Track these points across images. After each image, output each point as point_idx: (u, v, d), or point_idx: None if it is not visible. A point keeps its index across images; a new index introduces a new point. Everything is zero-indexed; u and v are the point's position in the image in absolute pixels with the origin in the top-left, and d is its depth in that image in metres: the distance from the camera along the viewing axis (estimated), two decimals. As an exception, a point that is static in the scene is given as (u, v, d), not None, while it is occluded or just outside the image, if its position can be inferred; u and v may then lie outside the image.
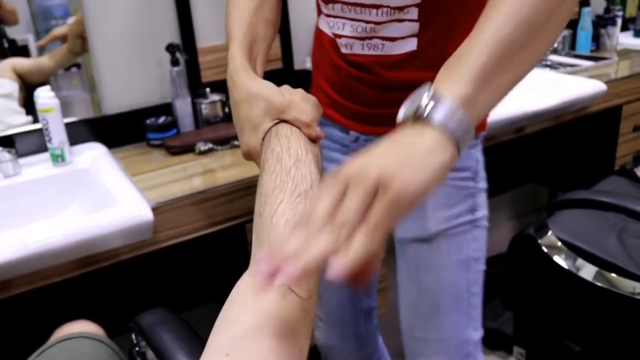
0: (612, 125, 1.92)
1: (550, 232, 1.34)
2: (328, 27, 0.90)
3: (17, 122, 1.40)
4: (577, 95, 1.70)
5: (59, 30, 1.42)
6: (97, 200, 1.20)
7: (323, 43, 0.93)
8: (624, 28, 2.37)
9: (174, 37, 1.52)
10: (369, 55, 0.86)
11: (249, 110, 0.65)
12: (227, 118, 1.56)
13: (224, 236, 1.29)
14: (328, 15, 0.88)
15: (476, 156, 0.94)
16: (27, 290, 1.06)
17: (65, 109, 1.35)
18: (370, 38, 0.84)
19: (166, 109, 1.53)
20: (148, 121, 1.48)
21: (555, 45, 2.16)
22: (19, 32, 1.41)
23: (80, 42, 1.42)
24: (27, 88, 1.41)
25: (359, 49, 0.86)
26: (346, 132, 0.96)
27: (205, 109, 1.53)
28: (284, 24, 1.65)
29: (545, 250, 1.33)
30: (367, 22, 0.83)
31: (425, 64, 0.82)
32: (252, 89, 0.66)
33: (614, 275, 1.23)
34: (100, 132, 1.47)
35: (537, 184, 2.43)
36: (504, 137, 1.61)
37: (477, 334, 1.01)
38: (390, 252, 1.06)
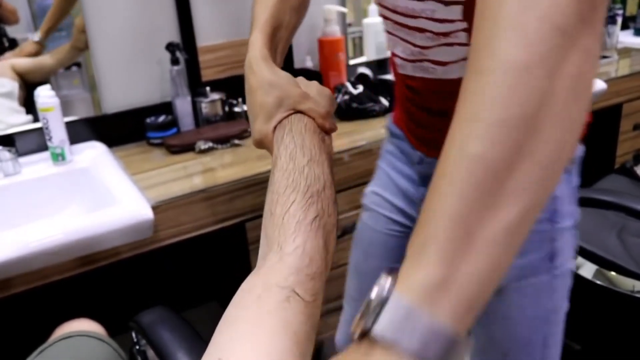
0: (613, 123, 1.92)
1: (550, 231, 1.34)
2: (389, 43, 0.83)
3: (17, 121, 1.40)
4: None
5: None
6: (98, 199, 1.20)
7: (392, 58, 0.86)
8: (624, 27, 2.36)
9: (174, 36, 1.52)
10: (421, 78, 0.79)
11: (264, 98, 0.63)
12: (227, 117, 1.56)
13: (224, 235, 1.29)
14: (386, 31, 0.82)
15: (555, 192, 0.76)
16: (28, 289, 1.07)
17: (66, 108, 1.35)
18: (421, 61, 0.76)
19: (166, 107, 1.53)
20: (148, 120, 1.48)
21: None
22: (20, 32, 1.41)
23: (84, 36, 1.42)
24: (27, 87, 1.41)
25: (410, 70, 0.80)
26: (414, 150, 0.89)
27: (205, 107, 1.53)
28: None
29: (545, 248, 1.33)
30: (414, 45, 0.75)
31: None
32: (268, 77, 0.64)
33: (613, 273, 1.23)
34: (101, 131, 1.47)
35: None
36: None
37: None
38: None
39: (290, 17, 0.73)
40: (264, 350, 0.39)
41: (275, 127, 0.62)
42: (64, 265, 1.08)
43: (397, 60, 0.82)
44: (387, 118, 0.97)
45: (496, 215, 0.34)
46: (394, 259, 0.95)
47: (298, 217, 0.50)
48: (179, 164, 1.36)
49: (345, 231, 1.28)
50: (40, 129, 1.32)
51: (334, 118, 0.66)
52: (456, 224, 0.34)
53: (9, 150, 1.25)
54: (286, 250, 0.47)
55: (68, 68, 1.46)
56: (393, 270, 0.37)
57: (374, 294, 0.35)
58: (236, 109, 1.56)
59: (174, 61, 1.48)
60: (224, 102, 1.55)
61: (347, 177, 1.36)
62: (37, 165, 1.31)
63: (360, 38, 1.85)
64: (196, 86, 1.55)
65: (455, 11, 0.67)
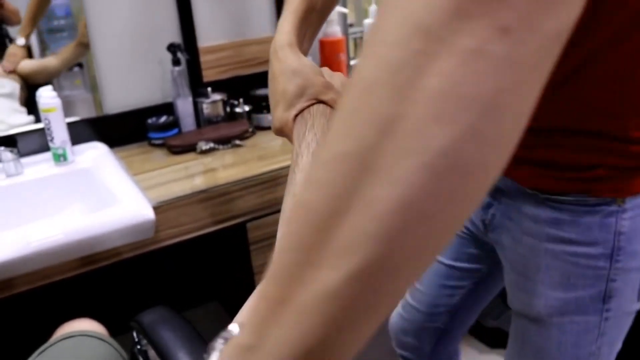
0: None
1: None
2: None
3: (18, 121, 1.40)
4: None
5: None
6: (99, 199, 1.21)
7: None
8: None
9: (175, 36, 1.53)
10: None
11: (287, 86, 0.61)
12: (229, 117, 1.56)
13: (225, 235, 1.29)
14: None
15: (617, 227, 0.71)
16: (29, 289, 1.07)
17: (67, 109, 1.35)
18: None
19: (168, 108, 1.53)
20: (149, 121, 1.48)
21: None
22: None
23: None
24: (29, 88, 1.41)
25: None
26: None
27: (206, 108, 1.53)
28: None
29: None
30: None
31: (556, 108, 0.67)
32: (293, 65, 0.62)
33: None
34: (102, 131, 1.47)
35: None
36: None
37: None
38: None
39: (324, 0, 0.70)
40: None
41: (296, 116, 0.60)
42: (66, 265, 1.08)
43: None
44: None
45: (316, 276, 0.26)
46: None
47: None
48: (180, 164, 1.37)
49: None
50: (42, 130, 1.33)
51: None
52: (276, 278, 0.28)
53: (11, 151, 1.26)
54: None
55: (70, 69, 1.47)
56: None
57: (215, 340, 0.32)
58: (237, 110, 1.57)
59: (175, 62, 1.48)
60: (225, 103, 1.55)
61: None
62: (38, 166, 1.31)
63: (362, 38, 1.85)
64: (197, 87, 1.55)
65: None
